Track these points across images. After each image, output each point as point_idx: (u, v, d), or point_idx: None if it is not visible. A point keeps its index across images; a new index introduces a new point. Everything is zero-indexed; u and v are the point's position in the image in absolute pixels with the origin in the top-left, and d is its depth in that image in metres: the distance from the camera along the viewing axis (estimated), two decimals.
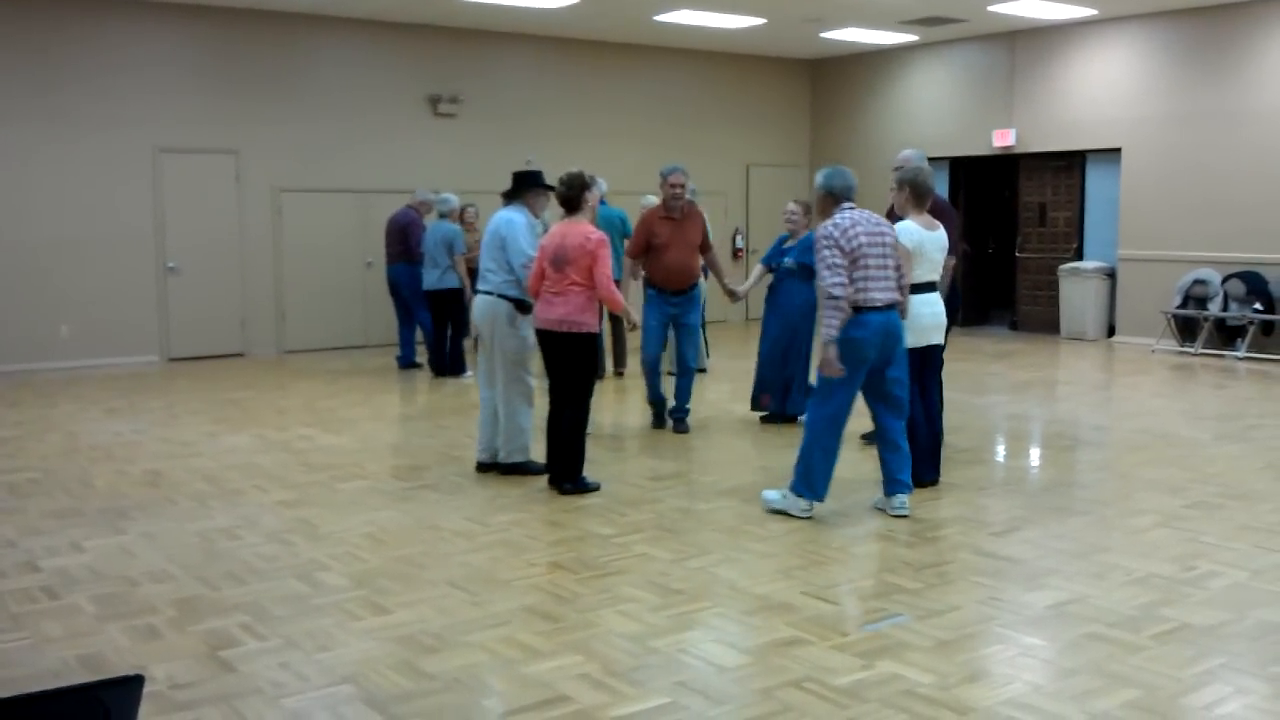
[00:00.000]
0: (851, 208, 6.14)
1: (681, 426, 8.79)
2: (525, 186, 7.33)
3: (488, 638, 4.51)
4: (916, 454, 6.62)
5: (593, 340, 6.78)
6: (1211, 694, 3.92)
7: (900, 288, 6.16)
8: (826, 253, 5.91)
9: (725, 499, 6.66)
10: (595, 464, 7.61)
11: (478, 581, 5.22)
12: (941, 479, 7.01)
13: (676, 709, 3.83)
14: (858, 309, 5.97)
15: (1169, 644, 4.39)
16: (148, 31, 12.88)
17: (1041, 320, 15.59)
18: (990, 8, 13.63)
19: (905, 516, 6.25)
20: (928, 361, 6.84)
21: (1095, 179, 15.01)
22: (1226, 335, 13.36)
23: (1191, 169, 13.70)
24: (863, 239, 5.98)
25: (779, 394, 9.02)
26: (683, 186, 8.65)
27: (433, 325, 11.84)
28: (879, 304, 6.02)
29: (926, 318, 6.64)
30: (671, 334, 8.89)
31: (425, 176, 14.32)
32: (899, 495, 6.28)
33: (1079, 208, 15.24)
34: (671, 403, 8.86)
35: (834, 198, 6.19)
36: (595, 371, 6.91)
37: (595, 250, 6.61)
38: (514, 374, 7.16)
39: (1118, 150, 14.48)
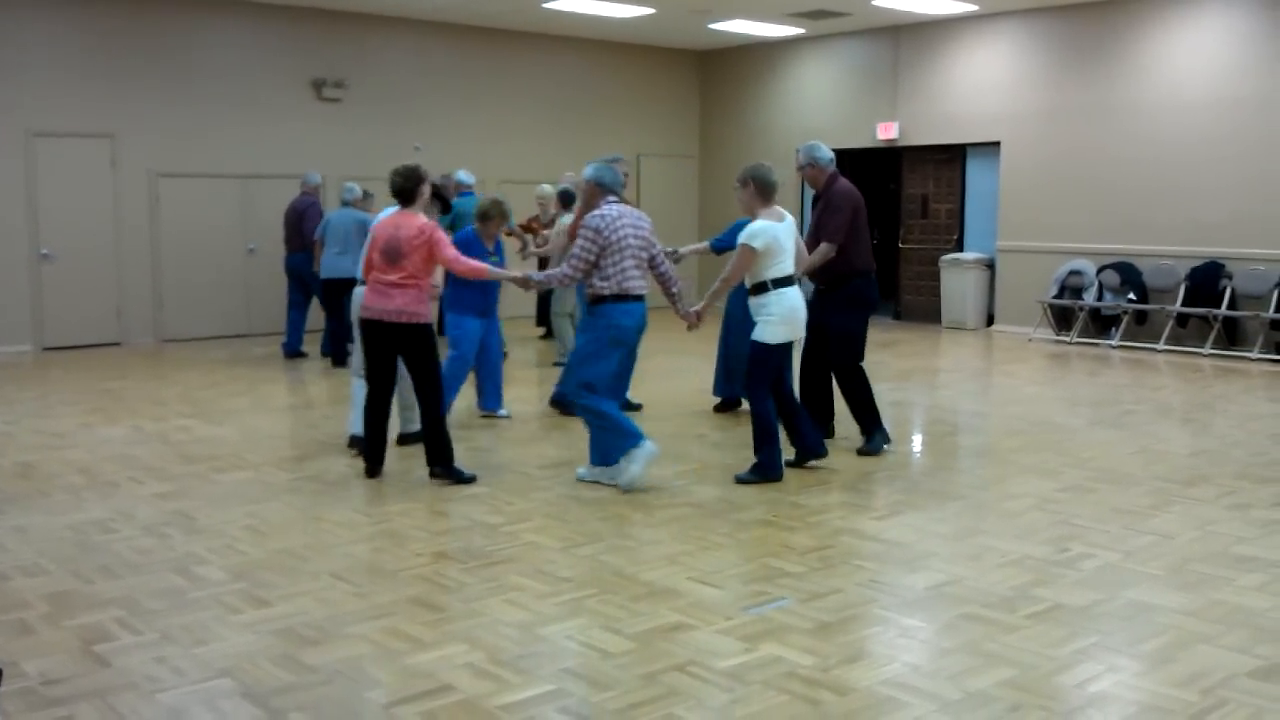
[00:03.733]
0: (616, 201, 6.62)
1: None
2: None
3: (371, 629, 4.45)
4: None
5: (429, 330, 6.75)
6: (1084, 672, 4.05)
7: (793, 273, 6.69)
8: (584, 243, 6.44)
9: (610, 488, 6.65)
10: (483, 451, 7.57)
11: (361, 572, 5.16)
12: (824, 465, 7.11)
13: (562, 695, 3.83)
14: (621, 298, 6.51)
15: (1043, 623, 4.51)
16: (21, 12, 12.41)
17: (924, 310, 15.92)
18: (875, 2, 13.85)
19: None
20: (790, 355, 7.02)
21: (975, 172, 15.37)
22: (1101, 324, 13.80)
23: (1068, 162, 14.10)
24: (627, 231, 6.48)
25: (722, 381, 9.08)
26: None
27: (330, 313, 11.60)
28: (638, 293, 6.57)
29: (801, 310, 6.76)
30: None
31: (309, 162, 14.05)
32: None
33: (960, 200, 15.59)
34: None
35: (602, 190, 6.69)
36: (437, 358, 6.82)
37: (431, 238, 6.60)
38: None
39: (997, 144, 14.83)
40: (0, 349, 12.49)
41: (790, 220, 6.82)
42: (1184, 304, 12.97)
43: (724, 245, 8.69)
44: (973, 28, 14.93)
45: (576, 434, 8.25)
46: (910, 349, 13.28)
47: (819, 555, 5.39)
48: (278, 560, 5.34)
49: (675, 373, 11.04)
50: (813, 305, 7.34)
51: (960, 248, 15.52)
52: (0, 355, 12.37)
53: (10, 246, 12.51)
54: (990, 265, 15.02)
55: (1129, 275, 13.40)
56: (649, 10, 14.38)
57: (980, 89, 14.92)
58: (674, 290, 6.88)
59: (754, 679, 3.96)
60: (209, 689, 3.91)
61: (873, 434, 7.58)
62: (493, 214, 8.23)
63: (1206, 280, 12.83)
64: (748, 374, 6.83)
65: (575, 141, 16.62)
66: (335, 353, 11.69)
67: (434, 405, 6.75)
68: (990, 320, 15.11)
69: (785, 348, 6.77)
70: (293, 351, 12.26)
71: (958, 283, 15.11)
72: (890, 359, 12.42)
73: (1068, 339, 13.78)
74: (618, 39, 16.98)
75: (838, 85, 16.56)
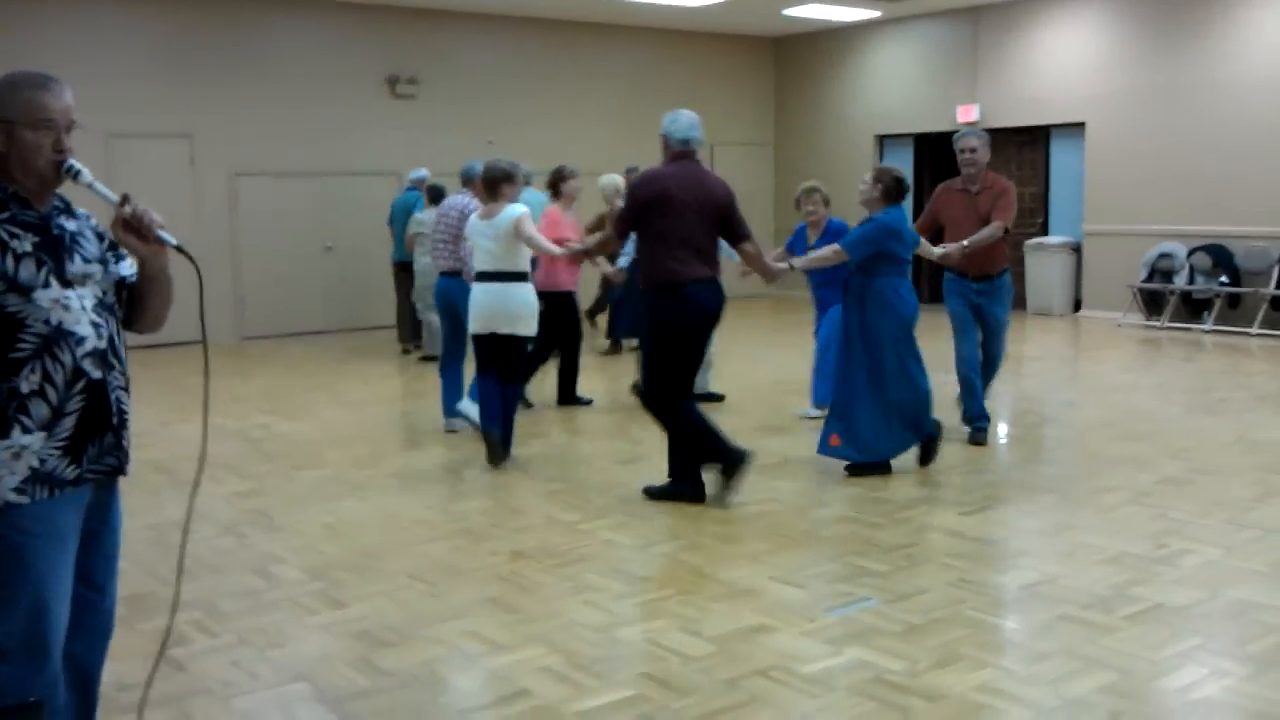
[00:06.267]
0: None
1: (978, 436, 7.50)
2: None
3: (447, 631, 4.38)
4: None
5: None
6: (1188, 675, 3.85)
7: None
8: None
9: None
10: (559, 447, 7.49)
11: (437, 572, 5.09)
12: (906, 458, 6.91)
13: (641, 701, 3.72)
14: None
15: (1143, 625, 4.31)
16: (100, 13, 12.59)
17: None
18: None
19: None
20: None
21: (1060, 153, 14.98)
22: (1193, 308, 13.36)
23: (1156, 142, 13.67)
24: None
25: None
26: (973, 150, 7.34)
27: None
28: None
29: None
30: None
31: (384, 159, 14.11)
32: None
33: (1044, 183, 15.21)
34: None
35: None
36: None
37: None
38: None
39: (1082, 125, 14.43)
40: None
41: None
42: (1278, 286, 12.50)
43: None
44: (1055, 6, 14.53)
45: (649, 428, 8.14)
46: None
47: (905, 553, 5.22)
48: (354, 559, 5.29)
49: (755, 361, 10.88)
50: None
51: (1045, 231, 15.14)
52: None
53: None
54: (1076, 249, 14.63)
55: (1221, 257, 12.95)
56: None
57: (1063, 69, 14.52)
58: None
59: (840, 684, 3.82)
60: (284, 693, 3.86)
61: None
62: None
63: None
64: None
65: (649, 132, 16.41)
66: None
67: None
68: (1077, 306, 14.71)
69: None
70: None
71: (1043, 268, 14.73)
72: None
73: (1158, 324, 13.37)
74: (690, 28, 16.82)
75: (916, 68, 16.24)
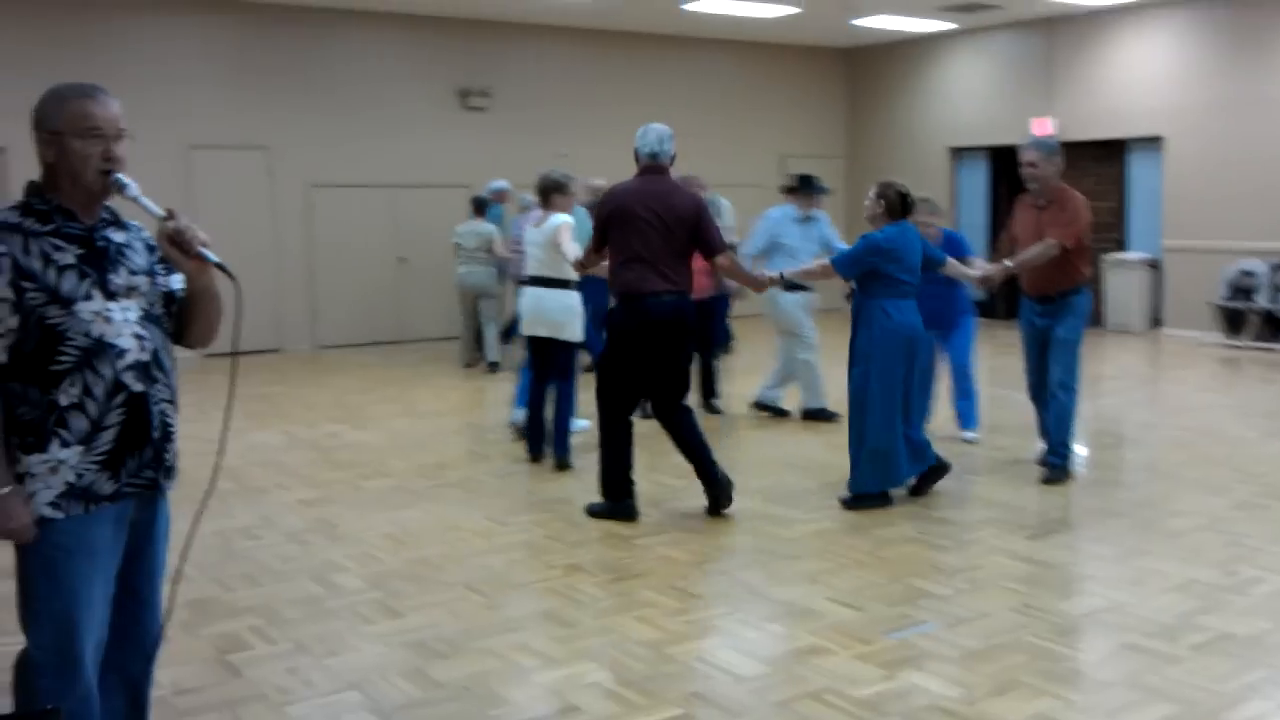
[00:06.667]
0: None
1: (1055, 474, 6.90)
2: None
3: (500, 644, 4.39)
4: None
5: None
6: (1253, 709, 3.74)
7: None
8: None
9: (753, 499, 6.49)
10: None
11: (494, 584, 5.11)
12: (976, 478, 6.80)
13: None
14: None
15: (1209, 655, 4.19)
16: (177, 27, 12.87)
17: None
18: None
19: None
20: None
21: (1138, 168, 14.69)
22: (1275, 327, 13.01)
23: (1236, 157, 13.34)
24: None
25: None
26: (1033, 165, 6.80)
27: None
28: None
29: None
30: None
31: (455, 171, 14.24)
32: None
33: (1121, 197, 14.93)
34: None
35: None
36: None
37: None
38: None
39: (1160, 138, 14.15)
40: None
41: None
42: None
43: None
44: (1132, 18, 14.26)
45: (715, 444, 8.11)
46: None
47: (967, 576, 5.13)
48: (413, 569, 5.33)
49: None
50: None
51: (1123, 247, 14.85)
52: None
53: None
54: (1155, 265, 14.33)
55: None
56: (793, 9, 14.14)
57: (1141, 82, 14.24)
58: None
59: (892, 710, 3.76)
60: (336, 702, 3.89)
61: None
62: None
63: None
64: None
65: (719, 143, 16.47)
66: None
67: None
68: (1156, 323, 14.41)
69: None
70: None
71: (1121, 284, 14.45)
72: None
73: (1239, 343, 13.05)
74: (760, 39, 16.77)
75: (990, 80, 16.04)
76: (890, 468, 6.27)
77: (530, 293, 7.33)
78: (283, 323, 13.71)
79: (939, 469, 6.53)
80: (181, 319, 3.02)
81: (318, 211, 13.86)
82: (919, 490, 6.50)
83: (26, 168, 2.98)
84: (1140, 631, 4.43)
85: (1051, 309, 6.79)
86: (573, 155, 14.15)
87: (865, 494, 6.31)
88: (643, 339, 5.95)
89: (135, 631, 2.98)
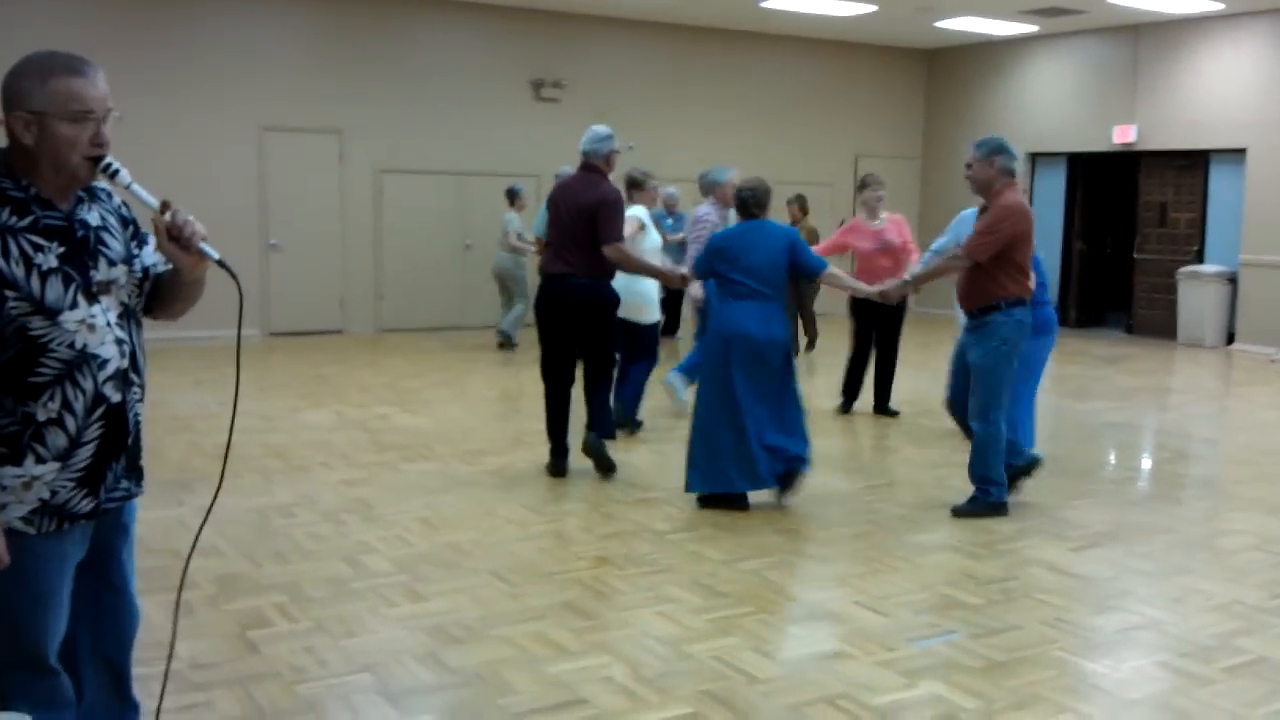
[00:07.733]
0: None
1: None
2: None
3: (518, 632, 4.37)
4: None
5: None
6: None
7: None
8: None
9: (794, 497, 6.40)
10: (666, 455, 7.42)
11: (520, 572, 5.09)
12: (1024, 488, 6.63)
13: None
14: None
15: (1242, 678, 4.05)
16: (256, 11, 13.05)
17: (1158, 324, 14.92)
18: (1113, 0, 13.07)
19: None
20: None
21: (1219, 180, 14.31)
22: None
23: None
24: None
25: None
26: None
27: None
28: None
29: None
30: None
31: (526, 161, 14.27)
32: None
33: (1201, 209, 14.56)
34: None
35: None
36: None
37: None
38: None
39: (1243, 150, 13.76)
40: (228, 332, 13.12)
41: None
42: None
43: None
44: (1218, 27, 13.88)
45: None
46: (1139, 365, 12.45)
47: (1001, 587, 5.02)
48: (442, 554, 5.33)
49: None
50: None
51: (1200, 260, 14.48)
52: (227, 338, 13.02)
53: (241, 236, 13.11)
54: (1233, 279, 13.95)
55: None
56: (871, 8, 13.97)
57: (1226, 92, 13.86)
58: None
59: (905, 719, 3.68)
60: (348, 683, 3.90)
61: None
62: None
63: None
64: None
65: (794, 141, 16.36)
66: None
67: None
68: (1230, 338, 14.03)
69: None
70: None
71: (1196, 297, 14.09)
72: (1115, 375, 11.68)
73: None
74: (838, 37, 16.60)
75: (1071, 86, 15.72)
76: (715, 472, 6.09)
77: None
78: (347, 305, 13.85)
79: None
80: (157, 296, 2.81)
81: (386, 196, 13.98)
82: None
83: None
84: (1174, 651, 4.29)
85: (971, 326, 6.11)
86: (644, 149, 14.10)
87: (713, 494, 6.16)
88: (544, 313, 6.78)
89: (113, 621, 2.88)
